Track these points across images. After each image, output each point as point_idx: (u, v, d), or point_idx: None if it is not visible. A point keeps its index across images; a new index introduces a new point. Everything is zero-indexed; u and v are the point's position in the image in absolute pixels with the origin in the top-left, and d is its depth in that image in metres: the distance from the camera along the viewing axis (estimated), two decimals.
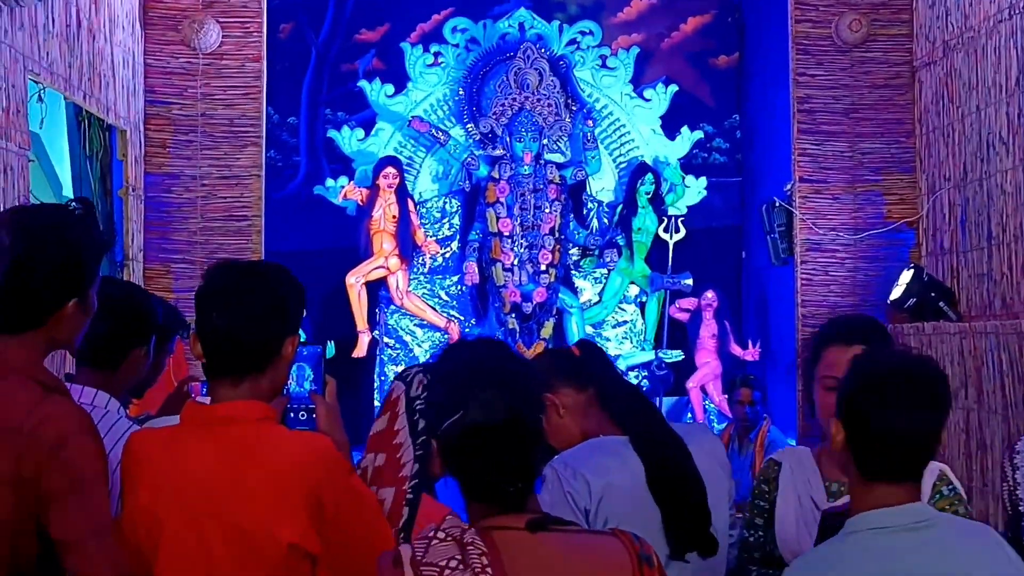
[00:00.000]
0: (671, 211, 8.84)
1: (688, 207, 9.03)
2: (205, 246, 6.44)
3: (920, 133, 6.44)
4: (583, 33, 9.15)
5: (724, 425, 6.92)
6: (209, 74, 6.49)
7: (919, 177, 6.45)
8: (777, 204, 6.52)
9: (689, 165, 9.15)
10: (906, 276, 6.04)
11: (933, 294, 5.82)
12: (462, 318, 8.75)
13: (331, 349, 8.14)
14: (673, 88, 9.16)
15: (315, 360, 2.23)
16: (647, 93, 9.17)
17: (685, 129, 9.13)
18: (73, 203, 2.28)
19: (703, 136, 9.30)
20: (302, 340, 2.21)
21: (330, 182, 8.93)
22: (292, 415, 2.19)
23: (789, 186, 6.48)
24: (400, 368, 8.66)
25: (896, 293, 6.05)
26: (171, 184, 6.49)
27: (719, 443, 2.76)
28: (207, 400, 2.18)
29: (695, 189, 9.12)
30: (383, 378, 8.60)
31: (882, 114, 6.52)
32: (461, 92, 8.87)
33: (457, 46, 9.02)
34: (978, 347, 5.25)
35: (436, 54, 9.03)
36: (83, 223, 2.22)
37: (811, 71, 6.48)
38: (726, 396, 8.50)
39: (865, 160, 6.50)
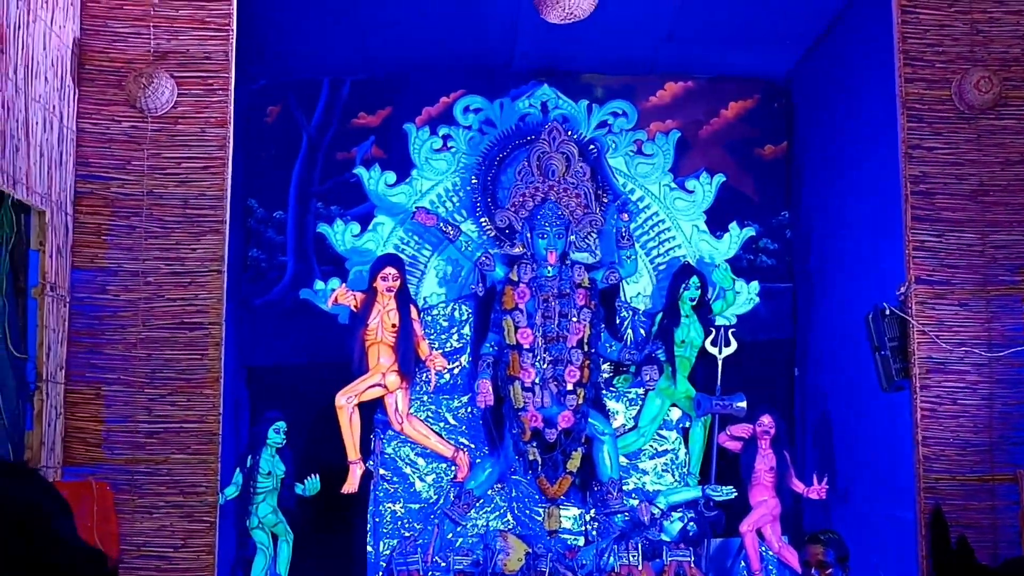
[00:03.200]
0: (719, 321, 7.66)
1: (737, 316, 7.82)
2: (148, 362, 5.03)
3: None
4: (615, 115, 8.01)
5: None
6: (160, 142, 5.11)
7: None
8: (888, 312, 5.11)
9: (735, 268, 7.94)
10: None
11: None
12: (473, 446, 7.44)
13: (315, 484, 7.01)
14: (720, 178, 8.02)
15: None
16: (689, 184, 8.00)
17: (733, 226, 7.97)
18: None
19: (754, 234, 8.13)
20: None
21: (319, 285, 7.70)
22: None
23: (903, 288, 5.09)
24: (398, 506, 7.59)
25: None
26: (106, 282, 5.10)
27: None
28: None
29: (746, 295, 7.92)
30: (379, 519, 7.27)
31: (1018, 197, 5.17)
32: (474, 180, 7.67)
33: (469, 128, 7.88)
34: None
35: (445, 137, 7.88)
36: None
37: (927, 143, 5.14)
38: (785, 539, 7.34)
39: (999, 256, 5.13)
